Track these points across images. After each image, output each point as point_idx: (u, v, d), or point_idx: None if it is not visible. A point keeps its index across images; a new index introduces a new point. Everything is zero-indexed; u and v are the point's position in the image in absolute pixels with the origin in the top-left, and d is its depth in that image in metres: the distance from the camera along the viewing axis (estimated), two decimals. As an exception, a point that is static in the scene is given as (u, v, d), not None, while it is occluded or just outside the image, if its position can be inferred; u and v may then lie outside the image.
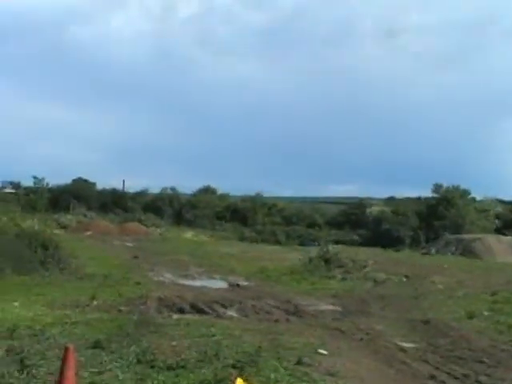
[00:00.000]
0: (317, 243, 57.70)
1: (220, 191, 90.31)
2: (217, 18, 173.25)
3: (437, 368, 12.99)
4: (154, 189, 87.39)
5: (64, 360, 6.63)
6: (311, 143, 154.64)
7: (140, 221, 69.93)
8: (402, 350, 14.77)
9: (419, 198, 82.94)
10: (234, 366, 10.72)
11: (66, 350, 6.68)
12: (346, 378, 11.44)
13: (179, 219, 78.67)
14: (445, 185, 75.36)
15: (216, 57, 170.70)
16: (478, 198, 78.28)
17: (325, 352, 13.61)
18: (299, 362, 11.98)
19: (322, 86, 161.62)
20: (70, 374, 6.58)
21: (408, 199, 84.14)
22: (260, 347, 12.25)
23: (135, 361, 11.15)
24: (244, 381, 9.42)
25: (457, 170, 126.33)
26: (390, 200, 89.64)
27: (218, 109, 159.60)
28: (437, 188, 75.21)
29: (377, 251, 48.47)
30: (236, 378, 9.46)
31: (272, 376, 10.37)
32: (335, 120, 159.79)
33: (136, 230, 63.59)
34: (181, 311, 19.55)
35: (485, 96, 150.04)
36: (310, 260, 34.23)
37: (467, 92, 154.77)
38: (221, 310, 20.10)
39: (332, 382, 10.80)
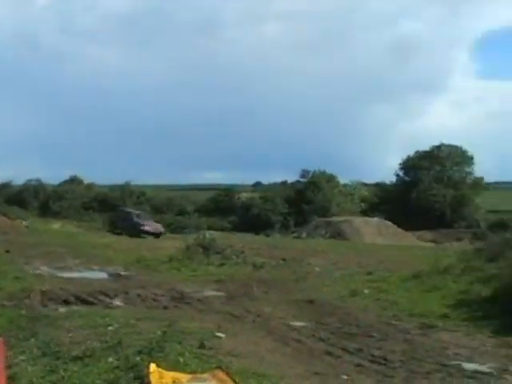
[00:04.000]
0: (187, 231, 57.90)
1: (87, 181, 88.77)
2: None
3: (330, 344, 13.61)
4: (18, 180, 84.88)
5: (-7, 353, 6.53)
6: (177, 131, 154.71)
7: (4, 214, 67.57)
8: (295, 329, 15.31)
9: (285, 183, 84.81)
10: (140, 352, 10.76)
11: (-4, 342, 6.58)
12: (249, 358, 11.77)
13: (45, 210, 76.76)
14: (311, 170, 77.56)
15: (77, 43, 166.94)
16: (344, 181, 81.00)
17: (222, 335, 13.88)
18: (201, 346, 12.19)
19: (184, 73, 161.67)
20: (1, 366, 6.49)
21: (275, 184, 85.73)
22: (165, 333, 12.33)
23: (40, 353, 11.03)
24: (156, 366, 9.58)
25: (322, 155, 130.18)
26: (257, 185, 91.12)
27: (81, 97, 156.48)
28: (304, 173, 77.30)
29: (249, 236, 49.20)
30: (149, 363, 9.59)
31: (181, 360, 10.51)
32: (198, 106, 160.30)
33: (0, 223, 61.50)
34: (66, 303, 19.19)
35: (350, 82, 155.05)
36: (188, 247, 34.31)
37: (333, 79, 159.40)
38: (106, 300, 19.88)
39: (237, 363, 11.06)
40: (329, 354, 12.77)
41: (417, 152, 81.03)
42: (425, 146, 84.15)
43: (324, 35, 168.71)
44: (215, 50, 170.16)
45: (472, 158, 79.67)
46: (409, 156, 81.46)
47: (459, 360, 12.00)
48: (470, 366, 11.50)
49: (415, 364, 11.82)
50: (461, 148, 79.84)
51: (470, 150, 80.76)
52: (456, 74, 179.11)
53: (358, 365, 11.85)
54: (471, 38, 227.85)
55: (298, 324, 15.91)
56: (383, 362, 12.03)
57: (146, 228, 47.07)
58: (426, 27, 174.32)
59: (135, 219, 49.48)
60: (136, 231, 45.94)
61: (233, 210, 76.71)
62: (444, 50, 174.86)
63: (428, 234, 58.19)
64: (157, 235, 46.24)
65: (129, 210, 55.82)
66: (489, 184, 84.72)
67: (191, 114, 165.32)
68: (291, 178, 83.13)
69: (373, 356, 12.48)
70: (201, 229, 55.24)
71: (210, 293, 21.99)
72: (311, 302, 19.11)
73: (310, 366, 11.61)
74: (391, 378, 10.90)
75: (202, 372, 9.63)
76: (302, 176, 77.73)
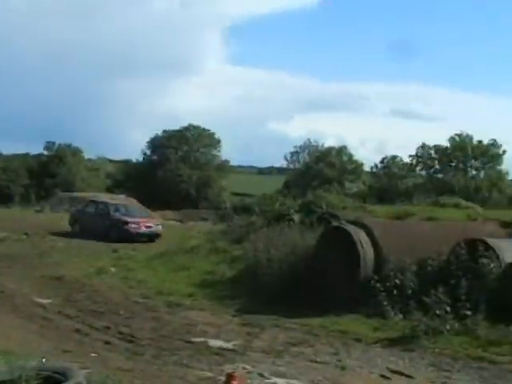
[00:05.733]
0: None
1: None
2: None
3: (78, 322, 13.53)
4: None
5: None
6: None
7: None
8: (41, 306, 15.05)
9: (27, 155, 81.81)
10: None
11: None
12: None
13: None
14: (56, 143, 75.68)
15: None
16: (89, 157, 79.83)
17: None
18: None
19: None
20: None
21: (15, 155, 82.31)
22: None
23: None
24: None
25: (67, 129, 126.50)
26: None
27: None
28: (49, 145, 75.21)
29: (-12, 209, 46.92)
30: None
31: None
32: None
33: None
34: None
35: (99, 56, 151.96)
36: None
37: (81, 50, 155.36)
38: None
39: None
40: (77, 331, 12.75)
41: (165, 131, 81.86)
42: (174, 126, 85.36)
43: (74, 5, 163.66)
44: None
45: (219, 141, 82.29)
46: (157, 135, 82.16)
47: (206, 337, 12.47)
48: (215, 343, 12.00)
49: (163, 341, 12.12)
50: (209, 130, 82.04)
51: (218, 133, 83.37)
52: (208, 58, 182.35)
53: (107, 342, 11.94)
54: (226, 23, 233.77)
55: (45, 301, 15.63)
56: (132, 339, 12.21)
57: (133, 228, 30.56)
58: (181, 7, 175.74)
59: (115, 214, 32.53)
60: (121, 233, 29.92)
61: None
62: (198, 32, 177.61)
63: (173, 214, 59.10)
64: (151, 237, 30.66)
65: (102, 200, 37.51)
66: (233, 167, 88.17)
67: None
68: (34, 150, 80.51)
69: (121, 333, 12.64)
70: None
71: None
72: (58, 278, 18.75)
73: (58, 343, 11.49)
74: (140, 355, 11.09)
75: None
76: (46, 148, 75.60)
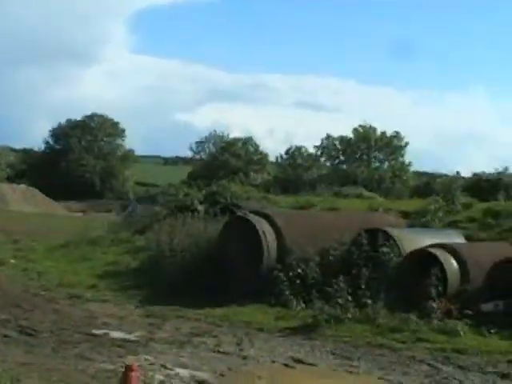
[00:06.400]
0: None
1: None
2: None
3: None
4: None
5: None
6: None
7: None
8: None
9: None
10: None
11: None
12: None
13: None
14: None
15: None
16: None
17: None
18: None
19: None
20: None
21: None
22: None
23: None
24: None
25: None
26: None
27: None
28: None
29: None
30: None
31: None
32: None
33: None
34: None
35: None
36: None
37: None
38: None
39: None
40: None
41: (68, 120, 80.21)
42: (77, 115, 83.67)
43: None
44: None
45: (124, 131, 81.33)
46: (60, 124, 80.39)
47: (108, 329, 12.28)
48: (118, 335, 11.84)
49: (64, 334, 11.87)
50: (113, 120, 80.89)
51: (122, 122, 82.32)
52: (112, 46, 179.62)
53: (5, 336, 11.58)
54: (129, 11, 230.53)
55: None
56: (32, 332, 11.90)
57: None
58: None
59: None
60: None
61: None
62: (101, 20, 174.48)
63: (77, 204, 58.17)
64: None
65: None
66: (138, 157, 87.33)
67: None
68: None
69: (21, 327, 12.28)
70: None
71: None
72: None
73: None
74: (40, 348, 10.81)
75: None
76: None
